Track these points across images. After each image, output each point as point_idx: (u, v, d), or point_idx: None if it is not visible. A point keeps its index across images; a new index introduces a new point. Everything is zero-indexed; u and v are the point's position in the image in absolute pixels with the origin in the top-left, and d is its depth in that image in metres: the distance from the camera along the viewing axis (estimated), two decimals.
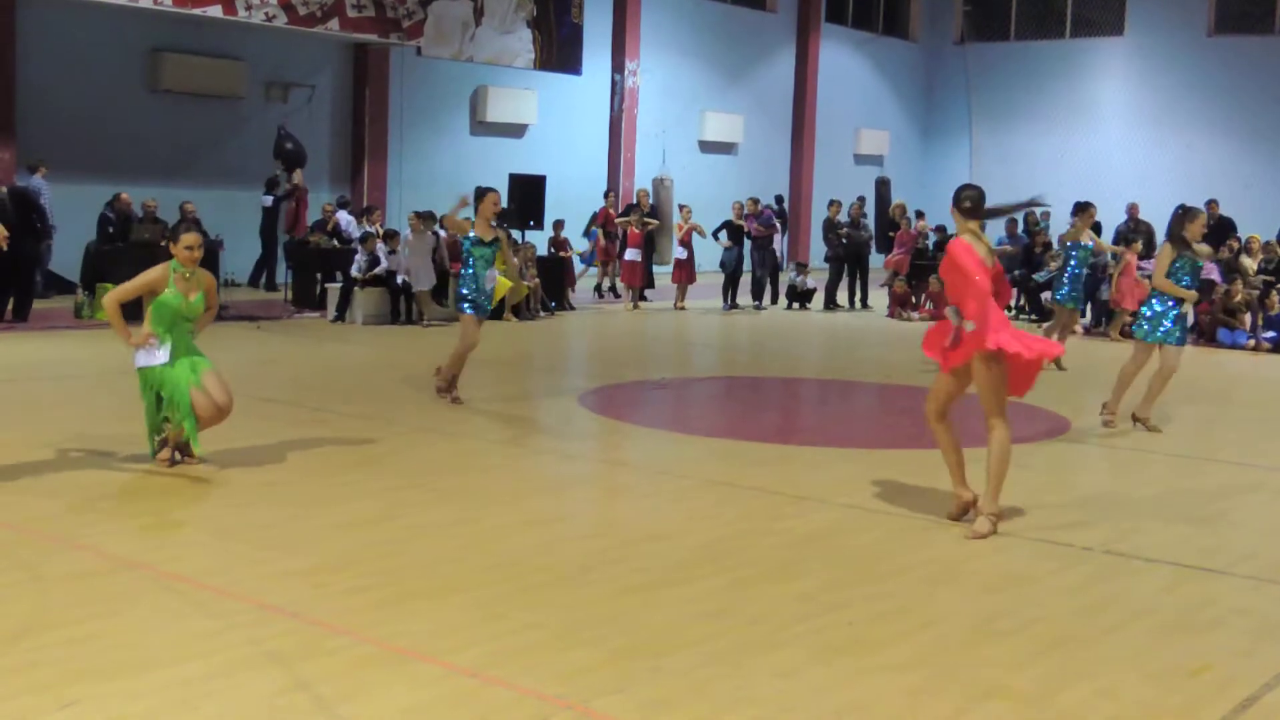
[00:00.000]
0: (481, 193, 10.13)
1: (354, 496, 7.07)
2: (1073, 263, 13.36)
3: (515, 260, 10.70)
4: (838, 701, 4.38)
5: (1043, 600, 5.61)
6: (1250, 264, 18.06)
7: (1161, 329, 9.64)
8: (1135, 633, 5.22)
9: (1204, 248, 10.54)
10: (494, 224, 10.18)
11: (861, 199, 22.14)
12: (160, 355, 7.39)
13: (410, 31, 20.73)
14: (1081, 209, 13.49)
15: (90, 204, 17.20)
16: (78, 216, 17.08)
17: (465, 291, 10.11)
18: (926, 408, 7.09)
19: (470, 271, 10.06)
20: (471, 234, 10.05)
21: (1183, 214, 9.56)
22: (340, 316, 16.11)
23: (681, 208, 20.40)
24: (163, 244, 7.78)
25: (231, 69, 19.97)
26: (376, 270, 16.29)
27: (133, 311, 7.62)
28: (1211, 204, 20.92)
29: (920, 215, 21.94)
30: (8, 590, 5.22)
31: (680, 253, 19.89)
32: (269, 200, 19.49)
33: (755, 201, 21.26)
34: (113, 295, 7.48)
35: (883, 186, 26.46)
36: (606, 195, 21.74)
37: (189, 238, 7.58)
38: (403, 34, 20.65)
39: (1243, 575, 6.14)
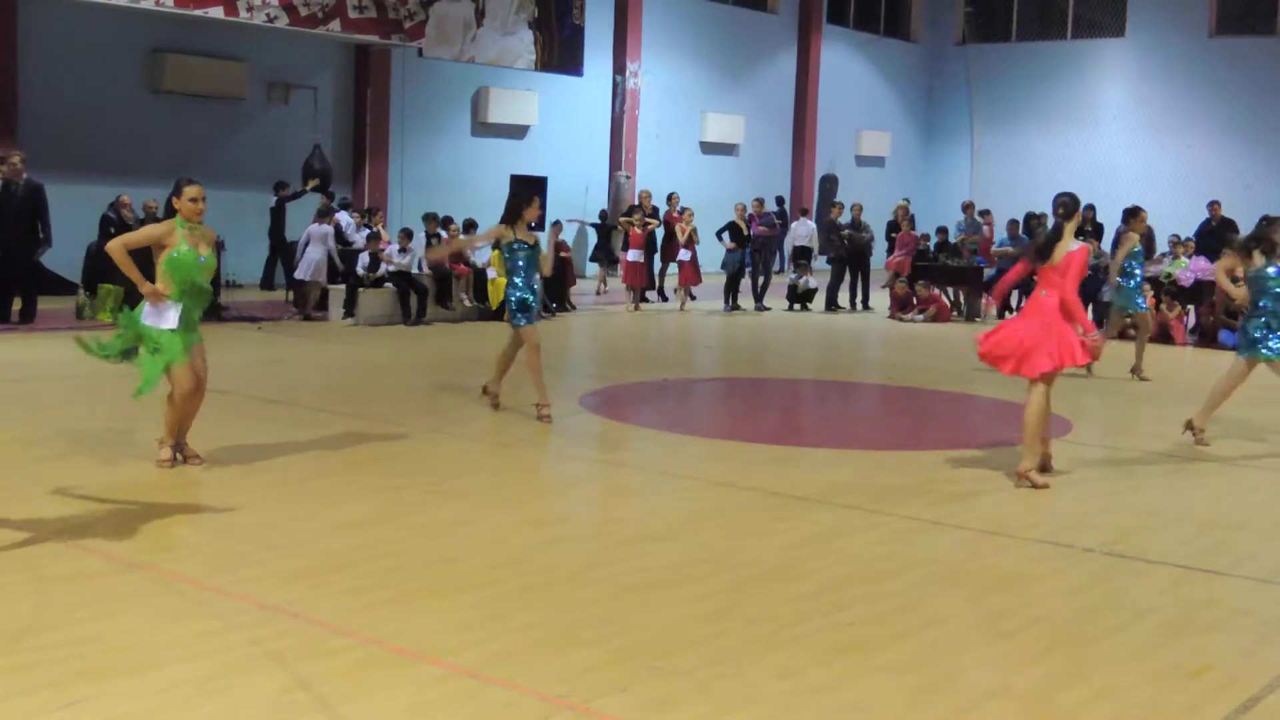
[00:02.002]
0: (529, 198, 9.83)
1: (355, 496, 7.08)
2: (1139, 272, 13.14)
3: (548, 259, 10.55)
4: (839, 701, 4.38)
5: (1044, 601, 5.61)
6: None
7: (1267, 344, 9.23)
8: (1136, 633, 5.22)
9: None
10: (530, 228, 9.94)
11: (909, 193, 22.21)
12: (168, 318, 7.33)
13: (411, 33, 20.73)
14: (1133, 214, 13.32)
15: (91, 204, 17.19)
16: (79, 217, 17.06)
17: (521, 299, 9.77)
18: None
19: (520, 279, 9.77)
20: (515, 240, 9.74)
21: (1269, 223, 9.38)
22: (349, 315, 16.17)
23: (683, 210, 20.41)
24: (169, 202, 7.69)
25: (233, 70, 19.98)
26: (381, 271, 16.35)
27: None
28: (1214, 205, 20.93)
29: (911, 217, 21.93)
30: (9, 590, 5.22)
31: (683, 255, 19.91)
32: (274, 201, 19.51)
33: (760, 202, 21.30)
34: (119, 240, 7.44)
35: (827, 183, 26.55)
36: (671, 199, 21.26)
37: (192, 189, 7.52)
38: (404, 35, 20.65)
39: (1244, 576, 6.14)
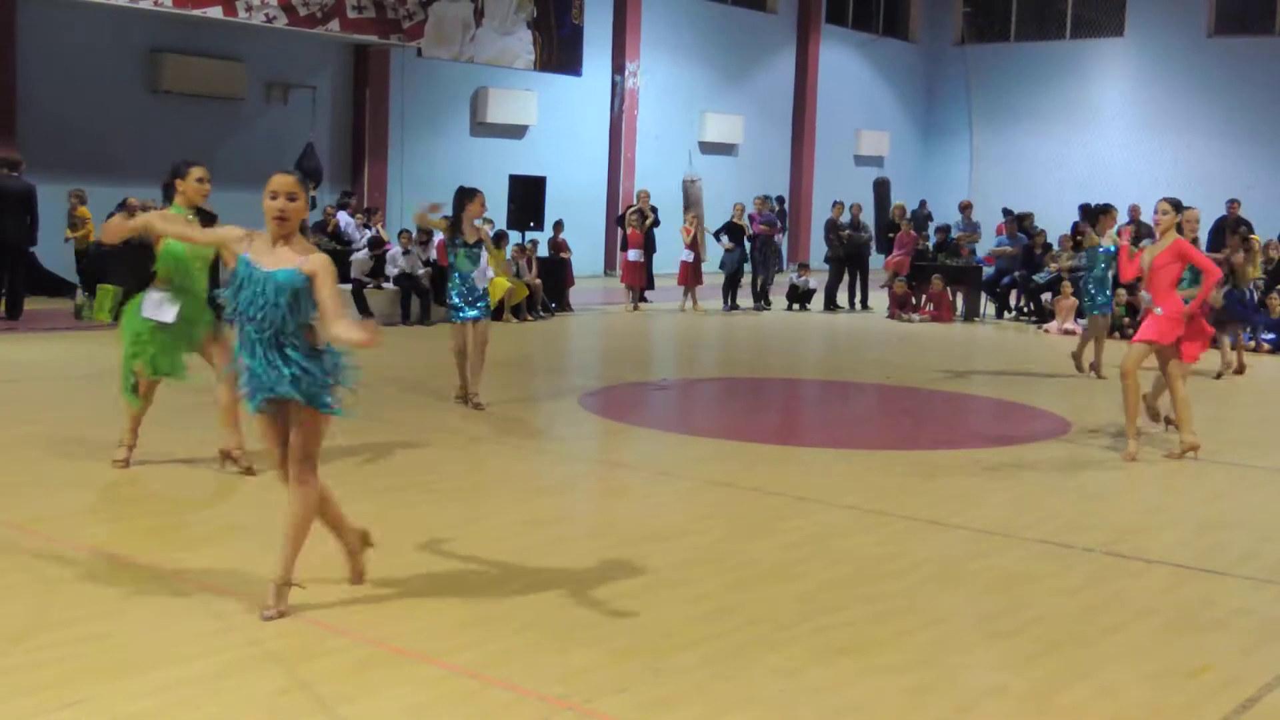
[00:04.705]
0: (470, 194, 9.87)
1: (354, 497, 7.04)
2: (1100, 267, 12.88)
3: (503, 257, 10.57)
4: (838, 702, 4.39)
5: (1043, 601, 5.61)
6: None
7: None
8: (1135, 633, 5.23)
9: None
10: (477, 224, 10.02)
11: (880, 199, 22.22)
12: (167, 314, 7.08)
13: (410, 33, 20.74)
14: (1103, 211, 13.16)
15: (89, 204, 17.18)
16: None
17: (455, 298, 9.90)
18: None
19: (457, 276, 9.86)
20: (458, 237, 9.82)
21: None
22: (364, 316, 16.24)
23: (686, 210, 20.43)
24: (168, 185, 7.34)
25: (232, 70, 19.98)
26: (390, 270, 16.42)
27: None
28: (1233, 204, 21.00)
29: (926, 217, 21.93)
30: (10, 590, 5.22)
31: (686, 255, 19.92)
32: None
33: (763, 200, 21.31)
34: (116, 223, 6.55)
35: (881, 187, 26.55)
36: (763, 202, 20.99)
37: (199, 169, 7.21)
38: (403, 35, 20.66)
39: (1243, 576, 6.14)
